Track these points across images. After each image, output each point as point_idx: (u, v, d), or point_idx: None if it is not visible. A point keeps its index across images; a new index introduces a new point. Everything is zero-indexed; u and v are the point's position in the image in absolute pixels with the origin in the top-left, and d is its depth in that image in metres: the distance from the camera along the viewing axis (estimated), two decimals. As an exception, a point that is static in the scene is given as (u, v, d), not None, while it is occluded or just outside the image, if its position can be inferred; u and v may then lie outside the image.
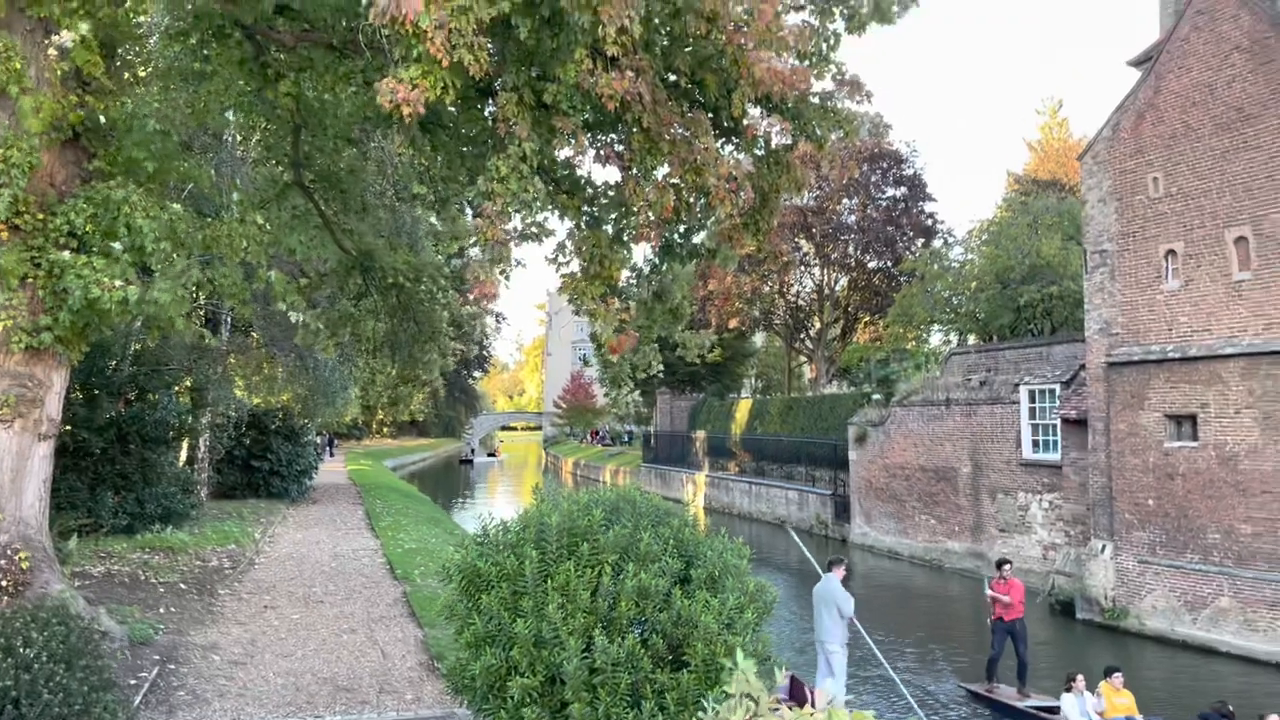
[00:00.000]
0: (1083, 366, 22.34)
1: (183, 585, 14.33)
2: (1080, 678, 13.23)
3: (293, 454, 28.52)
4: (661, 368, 11.59)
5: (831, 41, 10.82)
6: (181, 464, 21.86)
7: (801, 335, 58.14)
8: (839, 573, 12.63)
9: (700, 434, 50.81)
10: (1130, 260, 20.35)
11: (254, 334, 24.69)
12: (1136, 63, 21.91)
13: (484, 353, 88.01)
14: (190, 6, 10.64)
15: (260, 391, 27.66)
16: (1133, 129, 20.41)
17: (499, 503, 49.17)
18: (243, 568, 16.52)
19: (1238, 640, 17.70)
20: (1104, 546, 20.63)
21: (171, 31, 11.09)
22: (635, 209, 10.17)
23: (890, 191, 51.67)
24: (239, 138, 16.65)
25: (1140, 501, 19.85)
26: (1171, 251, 19.42)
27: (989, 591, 15.42)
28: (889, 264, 51.21)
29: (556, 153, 10.23)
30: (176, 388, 20.50)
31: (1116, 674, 13.25)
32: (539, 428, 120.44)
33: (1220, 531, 18.17)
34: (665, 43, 9.84)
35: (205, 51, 10.93)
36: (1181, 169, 19.27)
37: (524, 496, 47.80)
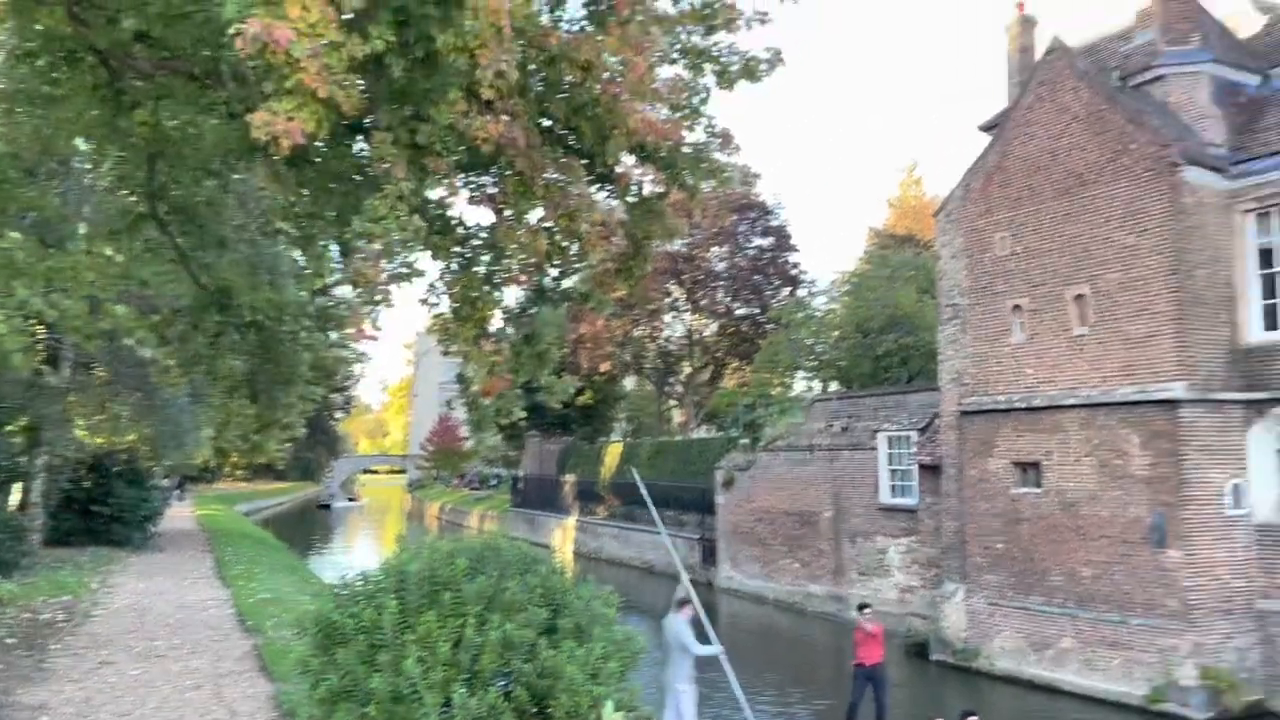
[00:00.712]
0: (937, 414, 23.28)
1: (9, 640, 13.28)
2: (938, 720, 13.55)
3: (137, 498, 26.99)
4: (524, 414, 11.47)
5: (703, 95, 11.10)
6: (12, 508, 20.36)
7: (671, 380, 58.79)
8: (686, 613, 12.77)
9: (569, 478, 50.56)
10: (980, 314, 21.40)
11: (97, 370, 23.36)
12: (986, 128, 23.25)
13: (347, 393, 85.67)
14: (40, 27, 10.11)
15: (103, 432, 26.14)
16: (982, 190, 21.58)
17: (359, 550, 47.60)
18: (78, 620, 15.44)
19: (1079, 679, 18.56)
20: (956, 589, 21.40)
21: (18, 52, 10.50)
22: (508, 252, 10.11)
23: (758, 241, 53.13)
24: (89, 165, 15.87)
25: (990, 545, 20.71)
26: (1018, 306, 20.51)
27: (864, 627, 15.58)
28: (756, 311, 52.49)
29: (429, 193, 10.11)
30: (9, 426, 19.16)
31: (972, 717, 13.52)
32: (404, 471, 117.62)
33: (1063, 574, 19.10)
34: (541, 88, 9.89)
35: (55, 75, 10.38)
36: (1026, 229, 20.44)
37: (386, 544, 46.44)
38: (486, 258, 11.06)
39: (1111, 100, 19.14)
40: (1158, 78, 19.66)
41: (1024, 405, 20.12)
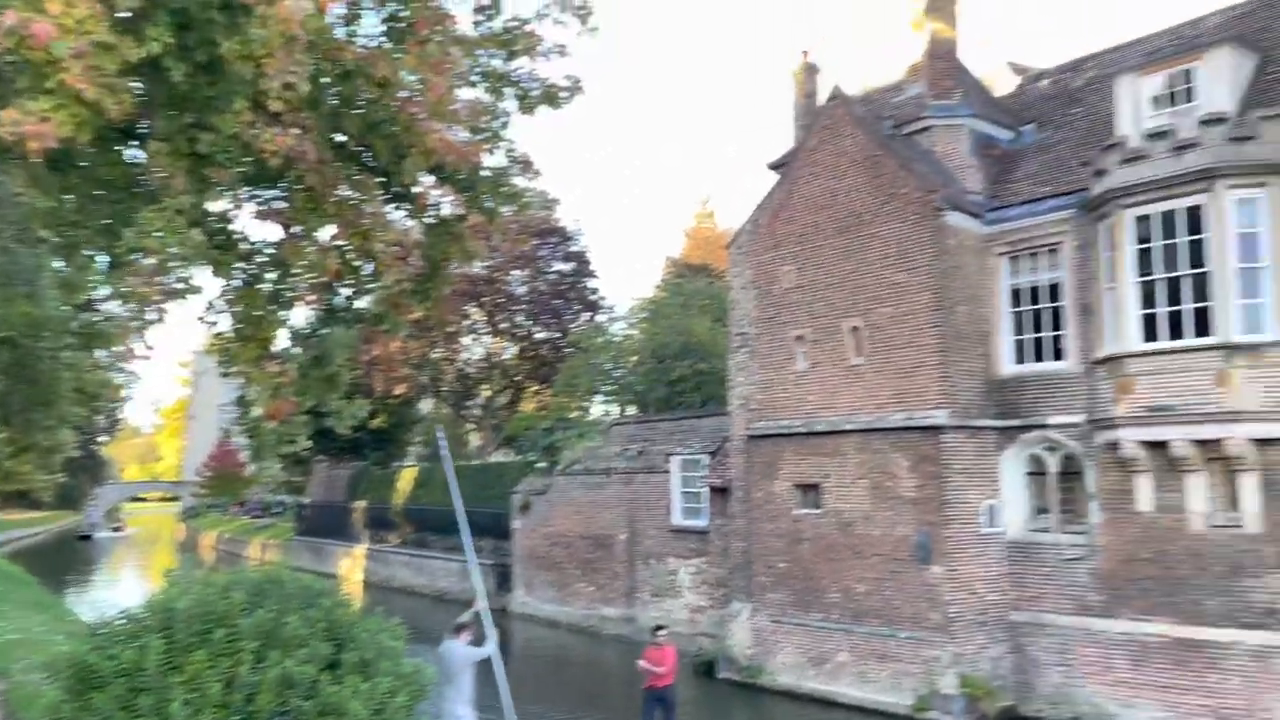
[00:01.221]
0: (727, 438, 24.11)
1: None
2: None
3: None
4: (310, 443, 11.03)
5: (504, 119, 11.12)
6: None
7: (469, 403, 58.02)
8: (464, 637, 12.72)
9: (360, 504, 48.84)
10: (767, 343, 22.38)
11: None
12: (775, 166, 24.45)
13: (113, 415, 79.43)
14: None
15: None
16: (770, 226, 22.64)
17: (124, 585, 44.10)
18: None
19: (853, 691, 19.59)
20: (742, 608, 22.16)
21: None
22: (295, 269, 9.74)
23: (558, 266, 53.48)
24: None
25: (773, 564, 21.59)
26: (801, 337, 21.59)
27: (641, 662, 15.84)
28: (556, 335, 52.71)
29: (210, 205, 9.60)
30: None
31: None
32: (178, 499, 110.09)
33: (840, 591, 20.16)
34: (335, 103, 9.61)
35: None
36: (810, 264, 21.59)
37: (154, 577, 43.26)
38: (273, 275, 10.61)
39: (885, 147, 20.57)
40: (925, 128, 21.30)
41: (805, 430, 21.16)
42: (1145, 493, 17.15)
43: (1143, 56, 20.07)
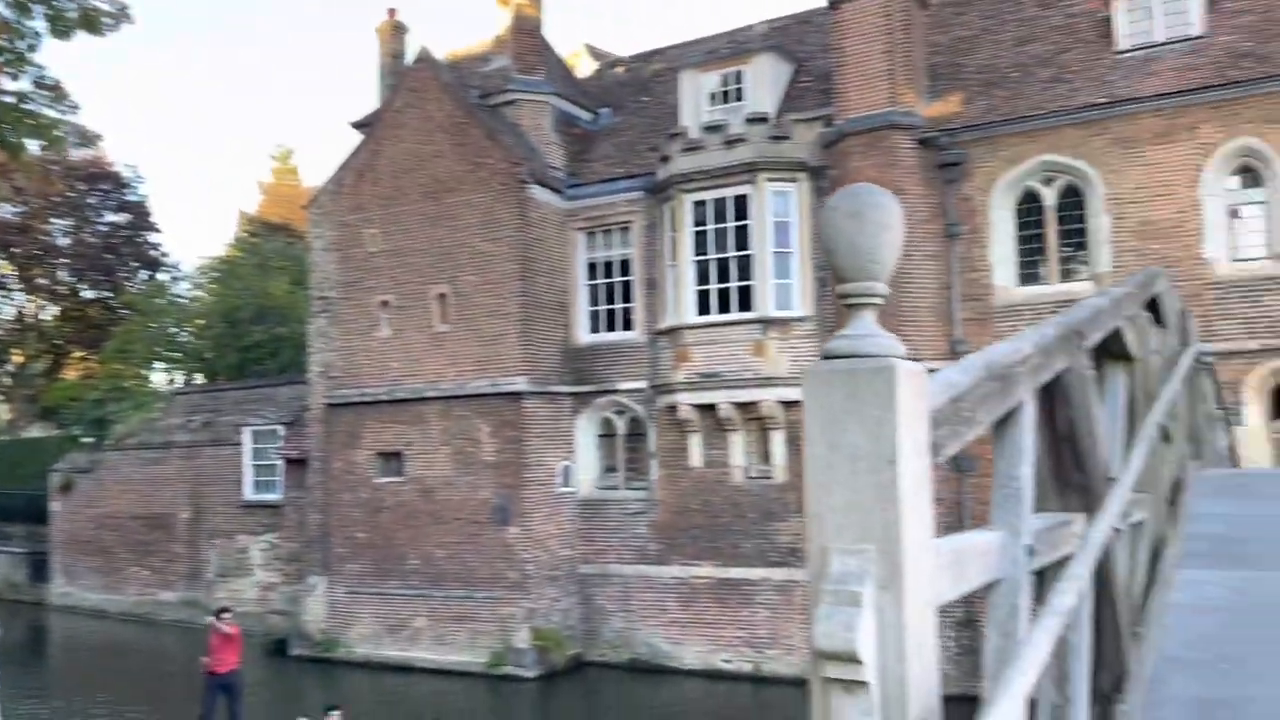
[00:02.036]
0: (305, 407, 23.05)
1: None
2: (302, 721, 13.29)
3: None
4: None
5: (31, 41, 9.65)
6: None
7: (-4, 370, 50.01)
8: None
9: None
10: (350, 308, 21.68)
11: None
12: (360, 125, 23.62)
13: None
14: None
15: None
16: (354, 186, 21.88)
17: None
18: None
19: (431, 655, 19.75)
20: (318, 582, 21.41)
21: None
22: None
23: (111, 217, 47.60)
24: None
25: (352, 535, 21.08)
26: (385, 302, 21.17)
27: (221, 630, 14.68)
28: (108, 295, 46.98)
29: None
30: None
31: (334, 711, 13.31)
32: None
33: (420, 558, 20.17)
34: None
35: None
36: (395, 228, 21.18)
37: None
38: None
39: (472, 115, 20.69)
40: (511, 101, 21.71)
41: (389, 398, 20.83)
42: (696, 450, 19.01)
43: (704, 54, 21.98)
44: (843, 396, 1.86)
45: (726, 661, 18.34)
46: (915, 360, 1.93)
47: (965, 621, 15.78)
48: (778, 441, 18.28)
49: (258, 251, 38.73)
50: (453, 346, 20.35)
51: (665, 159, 19.09)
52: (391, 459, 20.91)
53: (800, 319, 18.08)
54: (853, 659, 1.74)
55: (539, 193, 20.18)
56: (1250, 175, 15.70)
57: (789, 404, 17.93)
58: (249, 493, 25.14)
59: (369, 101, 29.27)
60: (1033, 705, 3.01)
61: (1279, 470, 12.86)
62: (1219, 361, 14.75)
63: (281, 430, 24.46)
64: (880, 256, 1.90)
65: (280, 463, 24.19)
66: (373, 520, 20.88)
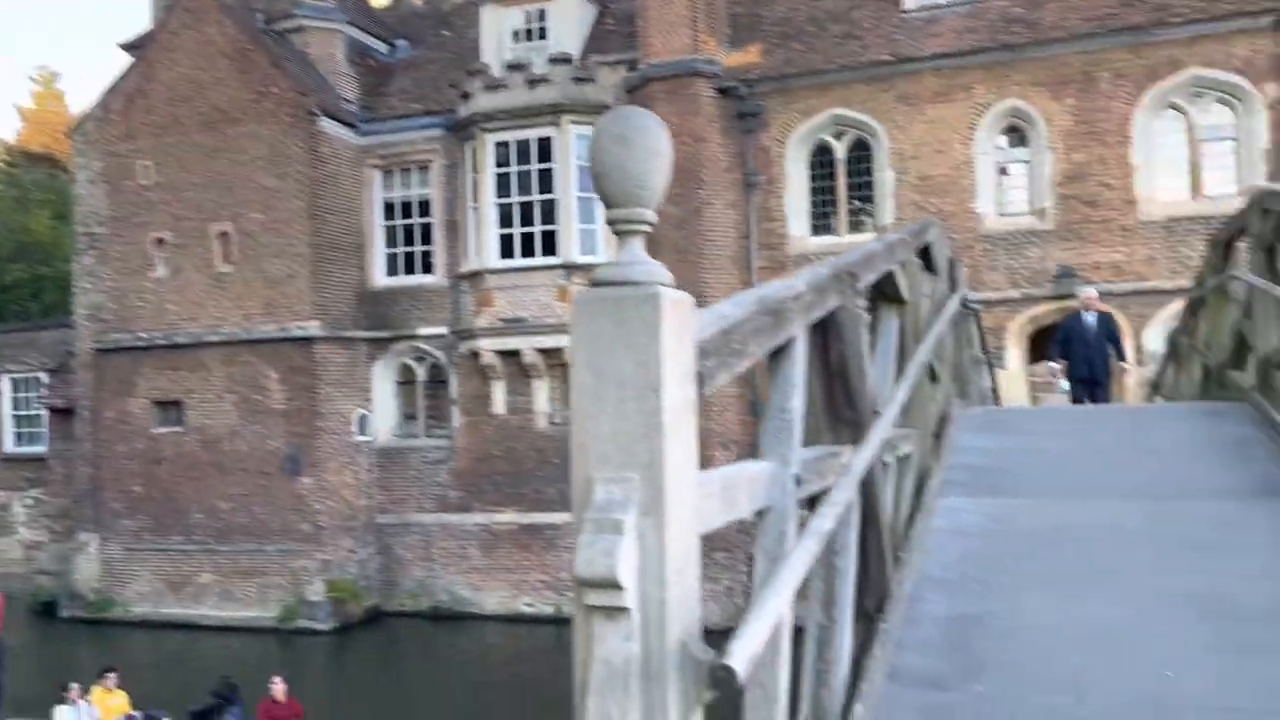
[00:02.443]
0: (72, 353, 21.25)
1: None
2: (75, 686, 12.42)
3: None
4: None
5: None
6: None
7: None
8: None
9: None
10: (121, 246, 20.05)
11: None
12: (129, 47, 21.69)
13: None
14: None
15: None
16: (124, 113, 20.12)
17: None
18: None
19: (217, 612, 18.87)
20: (90, 539, 19.96)
21: None
22: None
23: None
24: None
25: (128, 489, 19.74)
26: (161, 240, 19.70)
27: None
28: None
29: None
30: None
31: (109, 674, 12.66)
32: None
33: (204, 511, 19.13)
34: None
35: None
36: (171, 160, 19.66)
37: None
38: None
39: (256, 41, 19.40)
40: (299, 27, 20.47)
41: (166, 343, 19.50)
42: (499, 397, 18.85)
43: (507, -9, 21.39)
44: (610, 324, 1.83)
45: (529, 605, 18.47)
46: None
47: (756, 556, 16.50)
48: (579, 386, 18.35)
49: (17, 183, 35.26)
50: (237, 288, 19.22)
51: (466, 96, 18.56)
52: (170, 408, 19.64)
53: (604, 265, 18.11)
54: (613, 585, 1.73)
55: (330, 127, 19.21)
56: (1017, 135, 16.88)
57: (590, 349, 17.99)
58: (9, 445, 23.09)
59: (142, 21, 26.92)
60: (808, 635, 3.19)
61: (1034, 408, 14.04)
62: (985, 309, 15.94)
63: (45, 378, 22.50)
64: (649, 183, 1.86)
65: (44, 413, 22.28)
66: (150, 473, 19.59)
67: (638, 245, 1.91)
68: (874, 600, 3.96)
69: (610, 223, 1.96)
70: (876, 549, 3.97)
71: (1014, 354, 16.63)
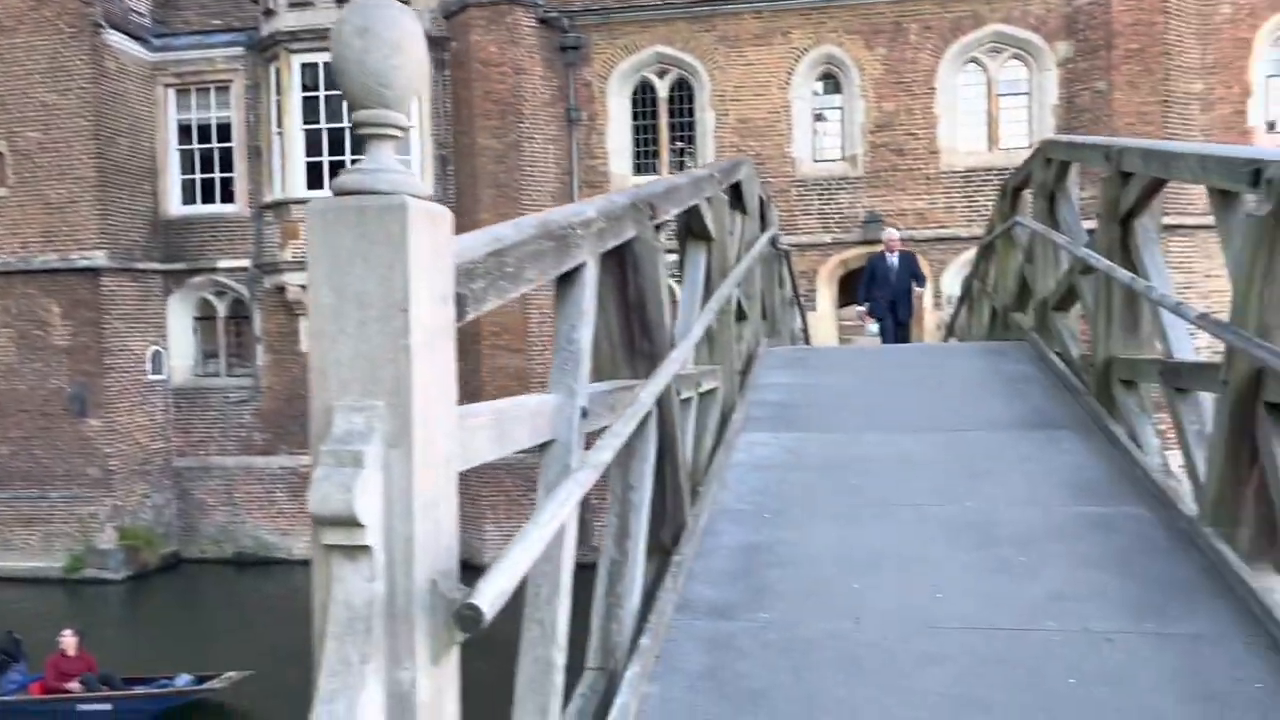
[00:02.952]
0: None
1: None
2: None
3: None
4: None
5: None
6: None
7: None
8: None
9: None
10: None
11: None
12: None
13: None
14: None
15: None
16: None
17: None
18: None
19: (-5, 563, 17.47)
20: None
21: None
22: None
23: None
24: None
25: (-115, 433, 17.85)
26: (-83, 157, 17.66)
27: None
28: None
29: None
30: None
31: None
32: None
33: (-24, 455, 17.56)
34: None
35: None
36: (-73, 67, 17.58)
37: None
38: None
39: (28, -62, 17.45)
40: (80, -72, 18.55)
41: (-74, 272, 17.59)
42: (306, 335, 17.99)
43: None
44: (351, 237, 1.65)
45: (340, 548, 17.92)
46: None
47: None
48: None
49: None
50: (12, 214, 17.51)
51: (269, 12, 17.35)
52: (-66, 344, 17.81)
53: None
54: (352, 523, 1.58)
55: (117, 40, 17.60)
56: (832, 82, 17.28)
57: (406, 285, 17.42)
58: None
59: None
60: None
61: (838, 347, 14.59)
62: (798, 252, 16.39)
63: None
64: (392, 81, 1.68)
65: None
66: (-89, 415, 17.79)
67: (384, 151, 1.73)
68: (670, 533, 3.96)
69: (354, 126, 1.77)
70: (674, 483, 3.96)
71: (825, 296, 17.21)
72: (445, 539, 1.75)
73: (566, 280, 2.82)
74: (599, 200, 3.16)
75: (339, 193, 1.69)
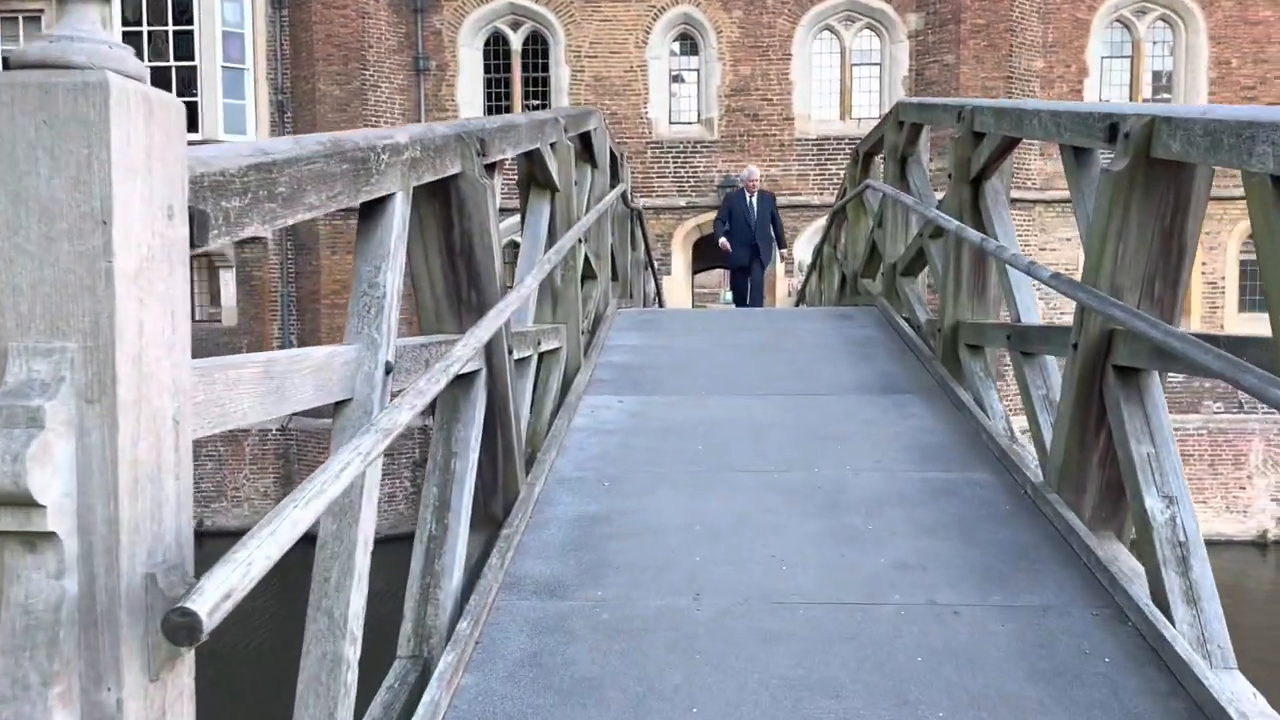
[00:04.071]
0: None
1: None
2: None
3: None
4: None
5: None
6: None
7: None
8: None
9: None
10: None
11: None
12: None
13: None
14: None
15: None
16: None
17: None
18: None
19: None
20: None
21: None
22: None
23: None
24: None
25: None
26: None
27: None
28: None
29: None
30: None
31: None
32: None
33: None
34: None
35: None
36: None
37: None
38: None
39: None
40: None
41: None
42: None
43: None
44: (32, 124, 1.24)
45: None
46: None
47: (424, 461, 16.01)
48: (228, 281, 16.69)
49: None
50: None
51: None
52: None
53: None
54: (27, 502, 1.19)
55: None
56: (689, 43, 17.05)
57: (240, 241, 16.37)
58: None
59: None
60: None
61: (688, 310, 14.46)
62: (654, 215, 16.19)
63: None
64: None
65: None
66: None
67: (83, 16, 1.31)
68: (502, 505, 3.64)
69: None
70: (506, 449, 3.63)
71: (679, 260, 17.08)
72: (171, 522, 1.37)
73: (370, 213, 2.43)
74: (415, 127, 2.77)
75: (18, 66, 1.27)
